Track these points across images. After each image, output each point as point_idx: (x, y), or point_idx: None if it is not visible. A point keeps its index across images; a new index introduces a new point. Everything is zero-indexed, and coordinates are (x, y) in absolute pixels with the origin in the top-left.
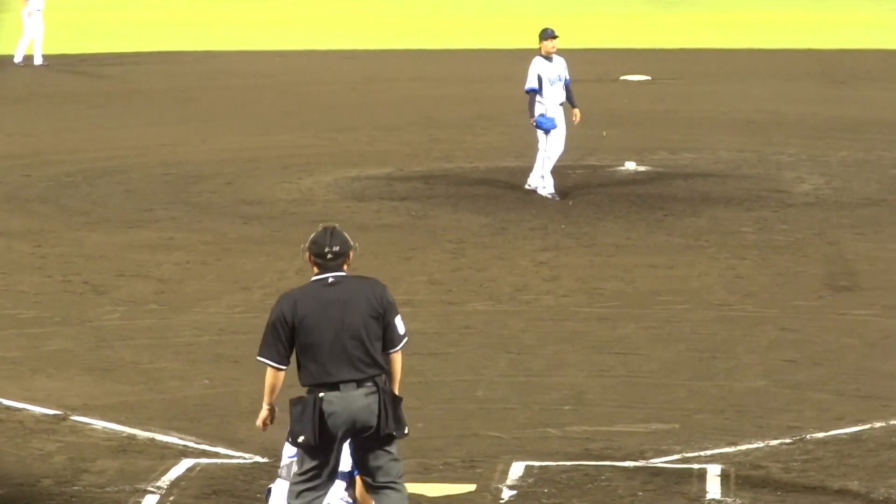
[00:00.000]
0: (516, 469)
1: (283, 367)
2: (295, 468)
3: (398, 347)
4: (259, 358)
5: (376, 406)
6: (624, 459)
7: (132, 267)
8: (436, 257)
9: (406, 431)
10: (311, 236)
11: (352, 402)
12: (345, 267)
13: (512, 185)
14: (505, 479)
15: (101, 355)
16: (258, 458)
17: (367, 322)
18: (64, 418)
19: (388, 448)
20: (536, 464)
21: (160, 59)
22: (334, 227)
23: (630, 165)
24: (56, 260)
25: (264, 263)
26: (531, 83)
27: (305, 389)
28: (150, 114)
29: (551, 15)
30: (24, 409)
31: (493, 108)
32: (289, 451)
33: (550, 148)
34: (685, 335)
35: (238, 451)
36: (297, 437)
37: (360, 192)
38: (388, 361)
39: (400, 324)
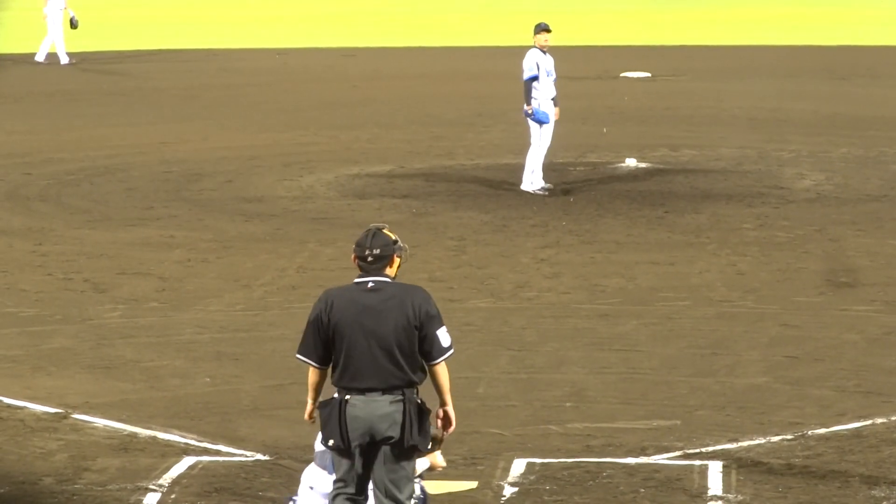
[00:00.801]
0: (518, 466)
1: (323, 367)
2: (335, 471)
3: (439, 360)
4: (298, 356)
5: (400, 416)
6: (625, 456)
7: (133, 265)
8: (437, 254)
9: (430, 447)
10: (358, 237)
11: (375, 408)
12: (389, 270)
13: (513, 182)
14: (507, 476)
15: (102, 353)
16: (259, 456)
17: (400, 333)
18: (65, 416)
19: (406, 463)
20: (538, 461)
21: (161, 58)
22: (377, 229)
23: (631, 162)
24: (57, 258)
25: (265, 261)
26: (531, 71)
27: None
28: (151, 112)
29: (552, 12)
30: (25, 407)
31: (494, 105)
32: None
33: (543, 142)
34: (686, 332)
35: (239, 448)
36: (328, 441)
37: (361, 190)
38: (431, 373)
39: (444, 335)
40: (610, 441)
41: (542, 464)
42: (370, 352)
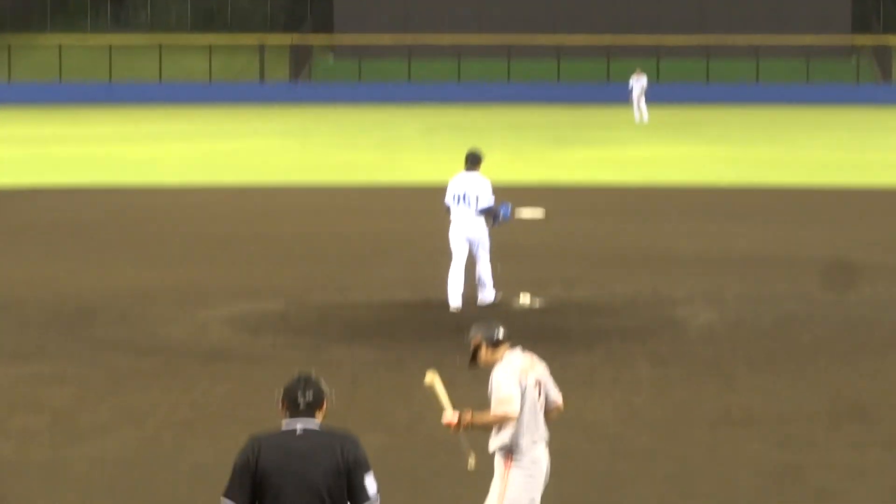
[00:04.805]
0: None
1: None
2: None
3: None
4: (222, 500)
5: None
6: None
7: (24, 400)
8: (332, 390)
9: None
10: (286, 383)
11: None
12: (318, 416)
13: (406, 318)
14: None
15: None
16: None
17: (329, 479)
18: None
19: None
20: None
21: (53, 194)
22: (309, 376)
23: (524, 300)
24: None
25: (158, 397)
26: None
27: None
28: (43, 248)
29: (447, 150)
30: None
31: (388, 242)
32: None
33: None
34: (580, 468)
35: None
36: None
37: (255, 326)
38: None
39: (370, 483)
40: None
41: None
42: (299, 497)
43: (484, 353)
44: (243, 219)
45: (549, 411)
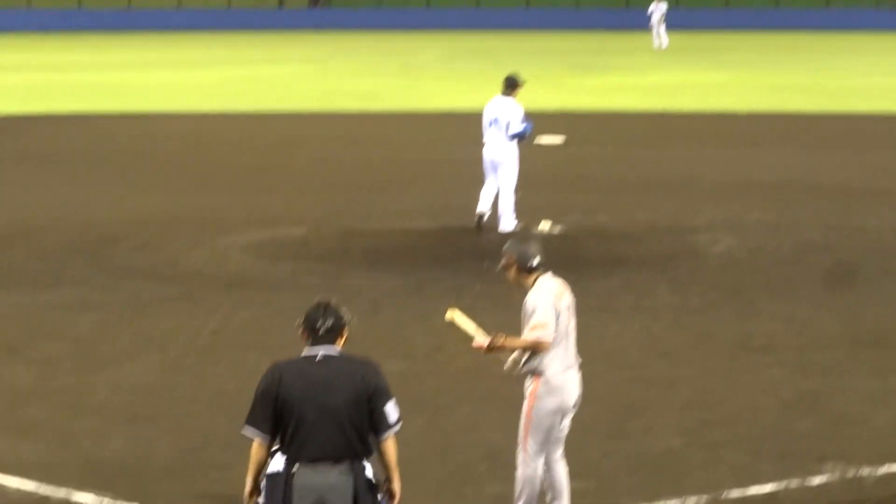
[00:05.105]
0: None
1: (270, 441)
2: None
3: (386, 435)
4: (244, 431)
5: (350, 487)
6: None
7: (46, 327)
8: (352, 317)
9: None
10: (307, 309)
11: (324, 479)
12: (339, 342)
13: (427, 245)
14: None
15: (16, 415)
16: None
17: (350, 406)
18: None
19: None
20: None
21: (74, 121)
22: (328, 302)
23: (544, 226)
24: None
25: (179, 323)
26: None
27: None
28: (66, 175)
29: (467, 77)
30: None
31: (408, 170)
32: None
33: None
34: (599, 396)
35: None
36: None
37: (275, 253)
38: (378, 447)
39: (392, 410)
40: None
41: None
42: (320, 424)
43: (515, 274)
44: (263, 146)
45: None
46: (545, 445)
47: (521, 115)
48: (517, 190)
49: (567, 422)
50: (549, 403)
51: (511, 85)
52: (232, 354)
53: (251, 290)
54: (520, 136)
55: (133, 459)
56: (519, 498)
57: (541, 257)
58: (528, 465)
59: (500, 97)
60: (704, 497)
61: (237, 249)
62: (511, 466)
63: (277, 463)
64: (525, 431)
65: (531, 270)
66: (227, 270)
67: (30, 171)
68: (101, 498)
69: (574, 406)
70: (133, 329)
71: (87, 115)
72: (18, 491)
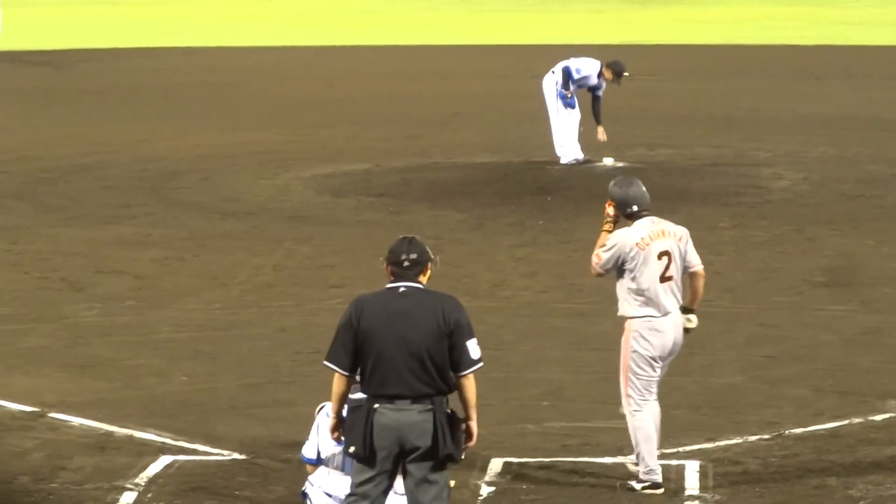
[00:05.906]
0: (495, 465)
1: (351, 375)
2: (351, 478)
3: (466, 372)
4: (325, 362)
5: (430, 425)
6: (602, 455)
7: (109, 263)
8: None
9: (463, 457)
10: (391, 245)
11: (404, 417)
12: (422, 279)
13: (489, 180)
14: (483, 475)
15: (79, 352)
16: (236, 455)
17: (430, 340)
18: (41, 415)
19: (439, 475)
20: (515, 460)
21: (137, 56)
22: (413, 237)
23: (608, 161)
24: (32, 257)
25: (241, 259)
26: (578, 73)
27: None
28: (127, 110)
29: (529, 13)
30: (1, 406)
31: (470, 104)
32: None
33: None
34: None
35: (216, 447)
36: (349, 447)
37: (336, 188)
38: (458, 384)
39: (473, 347)
40: (587, 440)
41: (519, 463)
42: (400, 358)
43: (614, 212)
44: (323, 81)
45: (692, 276)
46: (647, 390)
47: (585, 68)
48: (581, 124)
49: (663, 367)
50: (643, 350)
51: (611, 67)
52: (294, 290)
53: (313, 225)
54: (560, 95)
55: (195, 396)
56: (637, 445)
57: (641, 207)
58: (634, 413)
59: (589, 59)
60: (766, 434)
61: (299, 184)
62: (574, 402)
63: (358, 397)
64: (624, 378)
65: (629, 216)
66: (289, 206)
67: (92, 105)
68: (163, 435)
69: (671, 353)
70: (195, 265)
71: (147, 49)
72: (81, 427)
